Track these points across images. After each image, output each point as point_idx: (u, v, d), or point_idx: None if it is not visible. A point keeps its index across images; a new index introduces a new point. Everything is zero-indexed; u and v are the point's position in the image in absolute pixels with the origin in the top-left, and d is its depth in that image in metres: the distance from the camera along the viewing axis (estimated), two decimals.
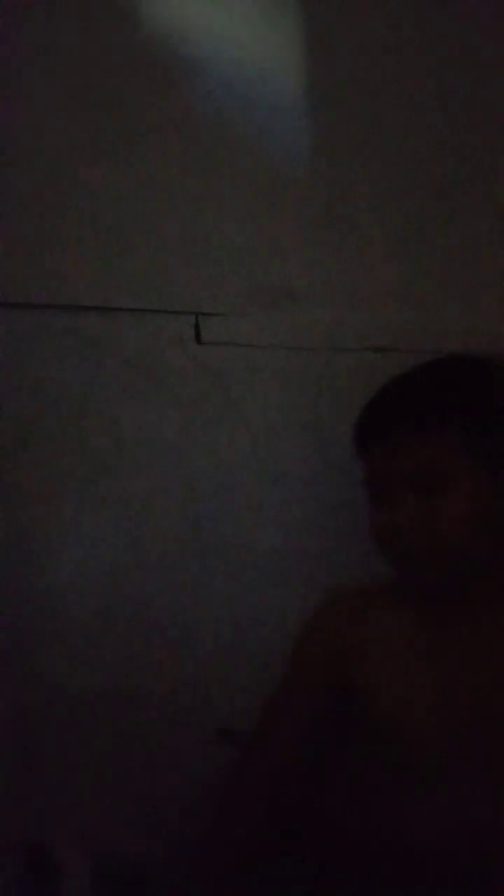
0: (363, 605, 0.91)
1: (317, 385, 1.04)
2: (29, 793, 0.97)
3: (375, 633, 0.89)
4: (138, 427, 1.02)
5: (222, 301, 1.03)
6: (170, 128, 1.01)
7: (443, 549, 0.82)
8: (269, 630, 1.02)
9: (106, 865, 0.91)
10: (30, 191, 0.99)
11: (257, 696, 0.94)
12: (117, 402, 1.02)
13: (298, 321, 1.04)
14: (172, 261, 1.02)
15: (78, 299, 1.00)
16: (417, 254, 1.06)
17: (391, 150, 1.05)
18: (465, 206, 1.06)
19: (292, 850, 0.88)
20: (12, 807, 0.96)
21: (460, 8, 1.05)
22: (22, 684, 0.99)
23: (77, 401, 1.01)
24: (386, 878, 0.81)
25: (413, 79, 1.05)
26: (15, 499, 1.00)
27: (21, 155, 0.99)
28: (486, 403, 0.85)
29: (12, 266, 0.99)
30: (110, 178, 1.00)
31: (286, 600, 1.02)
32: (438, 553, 0.82)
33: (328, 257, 1.04)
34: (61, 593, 1.00)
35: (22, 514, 1.00)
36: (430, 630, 0.86)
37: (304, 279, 1.04)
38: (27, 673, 0.99)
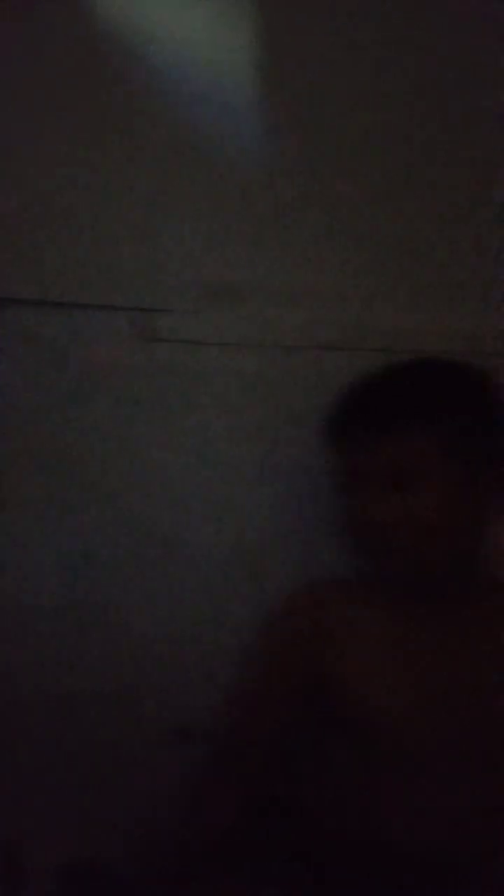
0: (337, 598, 0.91)
1: (270, 383, 1.04)
2: None
3: (351, 627, 0.88)
4: (85, 427, 1.00)
5: (171, 298, 1.02)
6: (115, 123, 0.99)
7: (420, 543, 0.83)
8: (223, 629, 1.02)
9: (73, 866, 0.90)
10: None
11: (215, 696, 0.93)
12: (65, 401, 1.00)
13: (251, 319, 1.04)
14: (119, 256, 1.00)
15: (20, 293, 0.98)
16: (368, 251, 1.06)
17: (340, 146, 1.05)
18: (413, 201, 1.07)
19: (276, 849, 0.88)
20: None
21: (416, 8, 1.05)
22: None
23: (21, 400, 0.99)
24: (369, 876, 0.82)
25: (365, 79, 1.05)
26: None
27: None
28: (464, 401, 0.87)
29: None
30: (49, 170, 0.98)
31: (242, 599, 1.02)
32: (415, 547, 0.83)
33: (278, 255, 1.04)
34: (15, 593, 0.98)
35: None
36: (407, 625, 0.87)
37: (254, 276, 1.04)
38: None
